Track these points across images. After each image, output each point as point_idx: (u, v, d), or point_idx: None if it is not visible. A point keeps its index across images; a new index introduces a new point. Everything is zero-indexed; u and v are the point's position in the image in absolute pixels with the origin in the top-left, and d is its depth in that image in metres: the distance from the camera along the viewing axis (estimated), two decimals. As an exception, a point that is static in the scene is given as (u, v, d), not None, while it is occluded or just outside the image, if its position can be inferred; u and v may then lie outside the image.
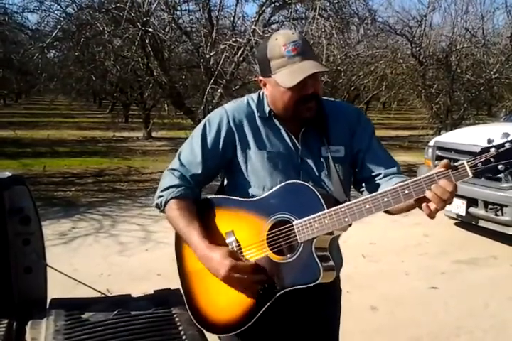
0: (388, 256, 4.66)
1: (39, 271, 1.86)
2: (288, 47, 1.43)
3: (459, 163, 1.28)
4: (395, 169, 1.56)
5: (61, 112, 15.56)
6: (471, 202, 4.94)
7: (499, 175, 4.69)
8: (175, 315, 1.67)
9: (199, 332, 1.57)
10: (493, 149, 1.25)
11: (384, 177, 1.54)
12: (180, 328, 1.59)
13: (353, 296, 3.55)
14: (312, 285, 1.40)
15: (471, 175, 1.26)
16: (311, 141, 1.57)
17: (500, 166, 1.25)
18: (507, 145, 1.24)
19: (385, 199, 1.33)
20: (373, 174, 1.56)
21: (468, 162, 1.27)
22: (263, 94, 1.61)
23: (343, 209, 1.36)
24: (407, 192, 1.31)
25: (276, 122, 1.57)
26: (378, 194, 1.34)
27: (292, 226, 1.43)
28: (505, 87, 12.61)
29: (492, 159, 1.25)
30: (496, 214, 4.76)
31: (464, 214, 5.03)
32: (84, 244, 4.86)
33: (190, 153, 1.59)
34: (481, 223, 5.00)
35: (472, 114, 13.32)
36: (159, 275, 3.81)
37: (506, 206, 4.67)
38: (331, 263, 1.44)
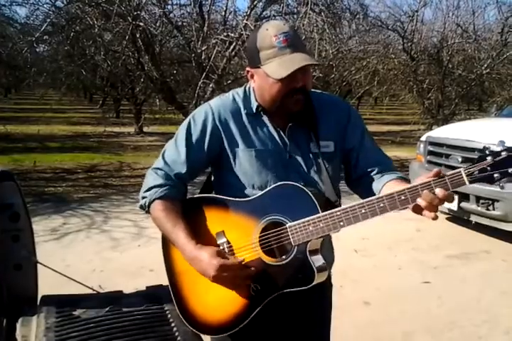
0: (381, 250, 4.67)
1: (29, 268, 1.84)
2: (279, 38, 1.40)
3: (455, 170, 1.29)
4: (387, 165, 1.55)
5: (51, 107, 15.45)
6: (463, 196, 4.96)
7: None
8: (167, 312, 1.66)
9: (192, 328, 1.55)
10: (489, 158, 1.27)
11: (376, 174, 1.53)
12: (173, 324, 1.58)
13: (346, 291, 3.56)
14: (307, 287, 1.38)
15: (467, 183, 1.28)
16: (300, 137, 1.54)
17: (496, 175, 1.27)
18: (503, 154, 1.26)
19: (381, 205, 1.32)
20: (366, 171, 1.55)
21: (465, 170, 1.28)
22: (249, 88, 1.57)
23: (338, 213, 1.35)
24: (403, 198, 1.30)
25: (264, 118, 1.54)
26: (374, 199, 1.33)
27: (286, 228, 1.40)
28: (496, 82, 12.67)
29: (488, 168, 1.27)
30: (488, 209, 4.78)
31: (455, 208, 5.05)
32: (76, 239, 4.82)
33: (175, 151, 1.55)
34: (473, 218, 5.02)
35: (463, 109, 13.40)
36: (152, 271, 3.79)
37: (498, 201, 4.70)
38: (324, 264, 1.42)
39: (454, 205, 5.04)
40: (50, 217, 5.51)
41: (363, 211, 1.33)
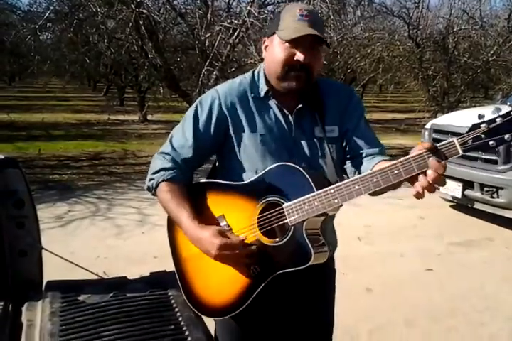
0: (383, 238, 4.68)
1: (34, 254, 1.86)
2: (302, 12, 1.46)
3: (448, 140, 1.24)
4: (378, 149, 1.55)
5: (55, 95, 15.45)
6: (467, 184, 4.96)
7: (493, 156, 4.69)
8: (171, 297, 1.68)
9: (195, 313, 1.57)
10: (483, 125, 1.20)
11: (366, 156, 1.53)
12: (177, 310, 1.59)
13: (349, 278, 3.57)
14: (304, 267, 1.39)
15: (461, 152, 1.22)
16: (305, 121, 1.55)
17: (491, 142, 1.20)
18: (498, 120, 1.19)
19: (374, 180, 1.30)
20: (358, 153, 1.55)
21: (458, 139, 1.23)
22: (258, 73, 1.59)
23: (332, 191, 1.35)
24: (396, 172, 1.28)
25: (271, 102, 1.55)
26: (367, 175, 1.32)
27: (282, 209, 1.42)
28: (502, 69, 12.58)
29: (483, 135, 1.20)
30: (492, 197, 4.78)
31: (459, 196, 5.05)
32: (81, 227, 4.86)
33: (182, 136, 1.57)
34: (477, 205, 5.02)
35: (469, 96, 13.30)
36: (155, 258, 3.81)
37: (502, 188, 4.69)
38: (323, 244, 1.43)
39: (458, 193, 5.04)
40: (54, 204, 5.55)
41: (357, 187, 1.32)
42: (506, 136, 1.20)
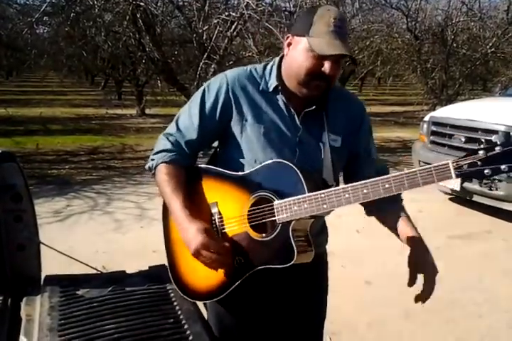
0: (382, 231, 4.65)
1: (32, 248, 1.85)
2: (336, 23, 1.44)
3: (443, 162, 1.23)
4: (384, 167, 1.60)
5: (53, 90, 15.40)
6: (466, 177, 4.96)
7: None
8: (170, 291, 1.67)
9: (194, 307, 1.57)
10: (481, 152, 1.19)
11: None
12: (175, 303, 1.59)
13: (347, 271, 3.59)
14: (287, 266, 1.39)
15: (454, 176, 1.21)
16: (312, 124, 1.55)
17: (486, 171, 1.18)
18: (497, 149, 1.17)
19: (365, 191, 1.32)
20: (365, 176, 1.53)
21: (453, 162, 1.21)
22: (271, 67, 1.58)
23: (322, 196, 1.36)
24: (387, 186, 1.30)
25: (279, 97, 1.55)
26: (359, 184, 1.33)
27: (272, 205, 1.42)
28: (501, 61, 12.54)
29: (479, 162, 1.18)
30: (490, 189, 4.78)
31: (458, 189, 5.05)
32: (80, 221, 4.86)
33: (188, 118, 1.58)
34: (476, 198, 5.03)
35: (467, 89, 13.26)
36: (154, 252, 3.81)
37: (500, 181, 4.69)
38: (309, 244, 1.44)
39: (456, 185, 5.04)
40: (53, 199, 5.54)
41: (347, 195, 1.34)
42: (502, 167, 1.17)
